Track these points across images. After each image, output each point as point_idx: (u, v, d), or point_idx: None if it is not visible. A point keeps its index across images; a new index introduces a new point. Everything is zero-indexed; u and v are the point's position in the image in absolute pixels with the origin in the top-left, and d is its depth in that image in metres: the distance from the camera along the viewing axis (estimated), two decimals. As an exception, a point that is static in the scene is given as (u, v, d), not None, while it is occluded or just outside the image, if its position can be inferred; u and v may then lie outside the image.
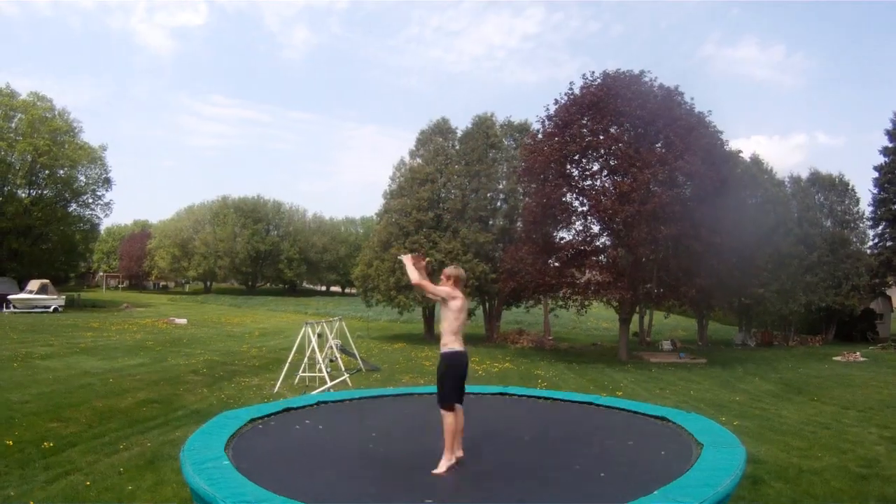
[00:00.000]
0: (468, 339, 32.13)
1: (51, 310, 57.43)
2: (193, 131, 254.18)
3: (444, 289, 9.22)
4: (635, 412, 11.43)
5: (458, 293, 9.21)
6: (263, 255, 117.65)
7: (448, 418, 8.59)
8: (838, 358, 40.44)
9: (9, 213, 63.82)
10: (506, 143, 49.99)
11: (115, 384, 21.04)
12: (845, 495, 11.10)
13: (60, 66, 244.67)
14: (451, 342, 9.07)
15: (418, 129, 52.08)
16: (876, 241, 60.45)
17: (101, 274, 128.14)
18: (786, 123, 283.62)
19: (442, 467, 8.20)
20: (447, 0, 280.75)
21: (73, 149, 68.46)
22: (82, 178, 72.54)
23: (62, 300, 60.83)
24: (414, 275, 9.33)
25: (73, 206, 73.62)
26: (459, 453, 8.75)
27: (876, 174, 59.80)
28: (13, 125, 65.95)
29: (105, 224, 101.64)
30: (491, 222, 47.44)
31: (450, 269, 9.48)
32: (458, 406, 8.90)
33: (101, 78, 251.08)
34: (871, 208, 60.03)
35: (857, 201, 59.17)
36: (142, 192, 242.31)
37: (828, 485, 11.73)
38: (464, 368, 9.17)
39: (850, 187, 59.01)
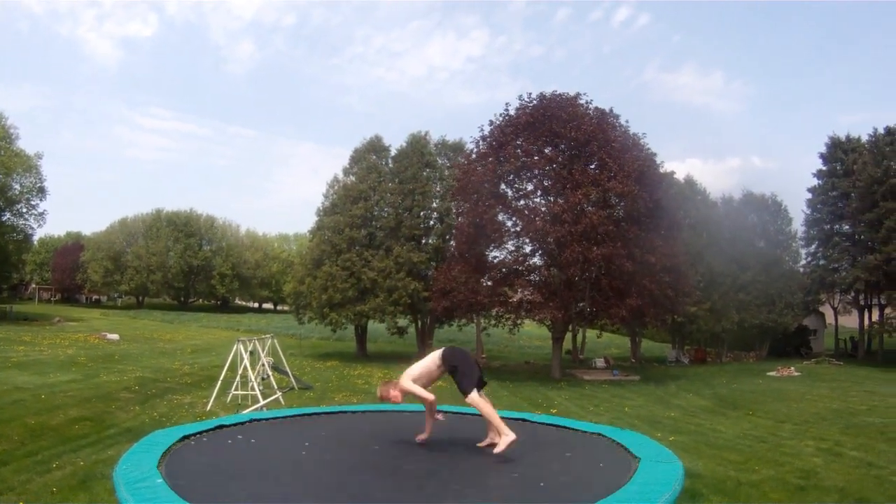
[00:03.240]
0: (400, 356, 32.15)
1: (-19, 323, 56.66)
2: (132, 143, 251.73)
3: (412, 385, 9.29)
4: (570, 428, 11.48)
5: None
6: (196, 270, 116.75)
7: (479, 401, 9.07)
8: (773, 373, 41.16)
9: (-61, 222, 62.51)
10: (440, 161, 50.14)
11: (47, 401, 20.80)
12: (784, 506, 11.24)
13: (3, 71, 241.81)
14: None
15: (354, 147, 52.06)
16: (809, 259, 62.01)
17: (34, 286, 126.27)
18: (721, 147, 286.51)
19: (503, 444, 8.51)
20: (394, 20, 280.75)
21: (9, 156, 67.25)
22: (17, 186, 70.96)
23: (-6, 313, 60.04)
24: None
25: (6, 216, 71.95)
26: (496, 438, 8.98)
27: (809, 195, 61.13)
28: (-53, 129, 64.53)
29: (38, 235, 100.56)
30: (424, 241, 47.59)
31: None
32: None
33: (43, 85, 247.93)
34: (803, 228, 61.46)
35: (790, 221, 60.52)
36: (76, 203, 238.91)
37: (766, 497, 11.88)
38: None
39: (782, 207, 60.02)
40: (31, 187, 71.84)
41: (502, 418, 10.71)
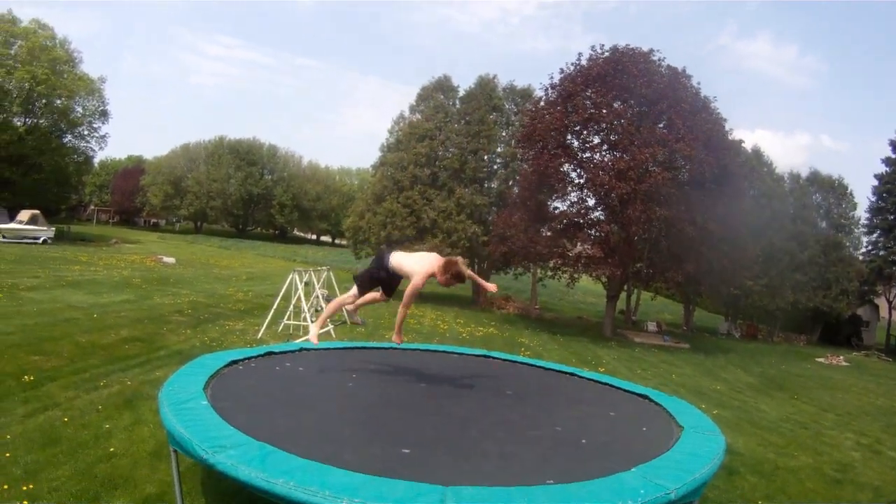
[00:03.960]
0: (455, 299, 32.01)
1: (40, 241, 57.03)
2: (196, 70, 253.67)
3: (419, 279, 9.25)
4: (618, 388, 11.40)
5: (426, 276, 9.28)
6: (256, 199, 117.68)
7: (338, 298, 9.92)
8: (821, 359, 40.66)
9: (2, 142, 63.19)
10: (507, 106, 49.86)
11: (99, 320, 20.86)
12: (819, 497, 11.09)
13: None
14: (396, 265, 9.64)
15: (421, 85, 51.92)
16: (869, 248, 61.19)
17: (93, 207, 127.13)
18: (791, 121, 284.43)
19: (312, 336, 9.95)
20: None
21: (72, 79, 67.71)
22: (79, 109, 71.66)
23: (52, 232, 60.34)
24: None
25: (68, 138, 72.81)
26: (357, 319, 10.54)
27: (876, 182, 60.03)
28: (13, 52, 65.25)
29: (99, 157, 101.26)
30: (487, 184, 47.46)
31: (460, 263, 9.29)
32: (380, 294, 10.01)
33: (107, 10, 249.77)
34: (867, 215, 60.52)
35: (854, 206, 59.88)
36: (138, 128, 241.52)
37: (802, 484, 11.71)
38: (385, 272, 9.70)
39: (848, 191, 59.38)
40: (94, 110, 72.73)
41: (551, 370, 10.70)
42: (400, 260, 9.53)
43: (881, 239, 60.03)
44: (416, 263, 9.31)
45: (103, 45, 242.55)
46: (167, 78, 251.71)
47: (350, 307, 9.96)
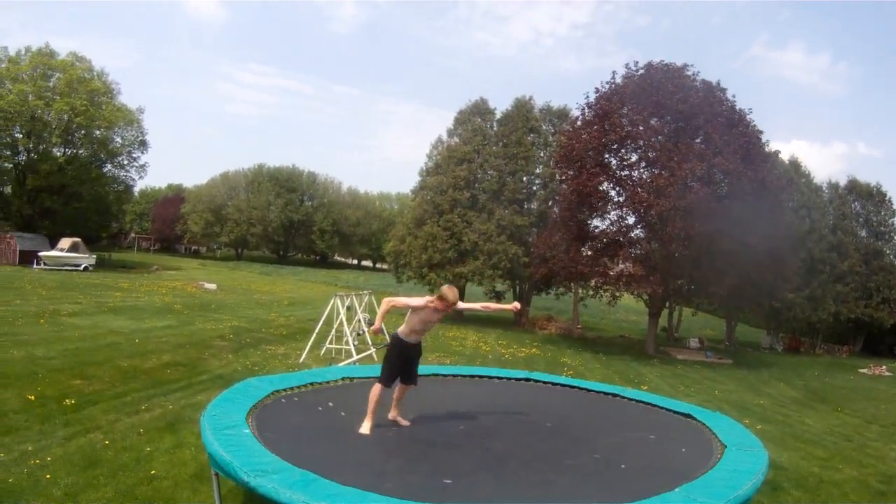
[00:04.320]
0: (498, 321, 32.00)
1: (81, 268, 57.56)
2: (234, 99, 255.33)
3: (419, 301, 9.75)
4: (660, 407, 11.34)
5: (429, 308, 9.69)
6: (296, 225, 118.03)
7: (374, 389, 9.48)
8: (864, 370, 40.36)
9: (43, 172, 63.95)
10: (544, 127, 49.92)
11: (140, 345, 21.00)
12: (863, 510, 11.00)
13: (105, 28, 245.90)
14: (404, 331, 9.95)
15: (458, 109, 52.14)
16: (910, 254, 60.17)
17: (133, 235, 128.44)
18: (827, 131, 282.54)
19: (363, 429, 9.06)
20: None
21: (111, 110, 68.42)
22: (118, 139, 72.64)
23: (93, 259, 60.90)
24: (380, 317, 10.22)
25: (107, 167, 73.85)
26: (402, 421, 9.81)
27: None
28: (51, 84, 66.05)
29: (139, 186, 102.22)
30: (527, 205, 47.50)
31: (444, 289, 9.69)
32: (405, 386, 10.04)
33: (145, 42, 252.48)
34: (906, 221, 59.75)
35: (894, 213, 58.87)
36: (177, 157, 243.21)
37: (847, 497, 11.60)
38: (405, 353, 10.03)
39: (887, 198, 58.72)
40: (133, 140, 74.08)
41: (593, 392, 10.66)
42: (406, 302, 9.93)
43: (922, 244, 59.26)
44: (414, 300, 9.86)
45: (141, 75, 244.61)
46: (205, 107, 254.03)
47: (392, 414, 10.05)
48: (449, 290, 9.53)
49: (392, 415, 9.84)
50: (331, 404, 10.37)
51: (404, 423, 9.66)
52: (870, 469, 14.13)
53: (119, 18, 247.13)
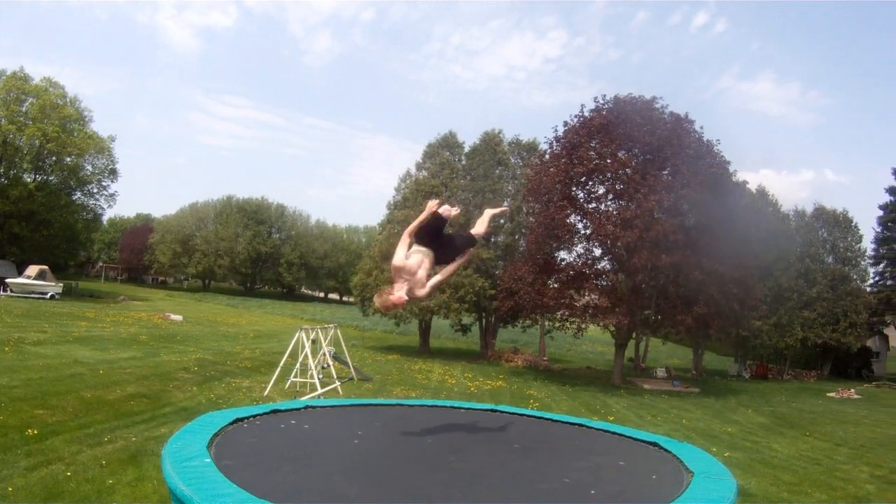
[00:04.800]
0: (463, 354, 32.02)
1: (47, 296, 57.27)
2: (206, 130, 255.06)
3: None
4: (626, 436, 11.36)
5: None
6: (264, 258, 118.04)
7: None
8: (832, 394, 40.72)
9: (13, 197, 63.53)
10: (512, 160, 50.09)
11: (105, 376, 20.92)
12: (835, 533, 11.04)
13: (81, 56, 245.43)
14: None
15: (427, 142, 52.32)
16: (876, 279, 61.73)
17: (101, 264, 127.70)
18: (795, 159, 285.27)
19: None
20: (473, 18, 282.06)
21: (82, 137, 68.29)
22: (89, 167, 72.54)
23: (59, 288, 60.60)
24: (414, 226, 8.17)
25: (77, 195, 73.61)
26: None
27: (881, 213, 60.36)
28: (24, 109, 65.68)
29: (108, 215, 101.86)
30: (493, 238, 47.47)
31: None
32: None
33: (120, 70, 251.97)
34: (873, 246, 61.00)
35: (860, 238, 59.90)
36: (147, 186, 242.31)
37: (816, 521, 11.66)
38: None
39: (853, 224, 59.45)
40: (103, 169, 73.89)
41: (559, 422, 10.62)
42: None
43: (888, 268, 60.41)
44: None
45: (113, 103, 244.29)
46: (176, 137, 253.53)
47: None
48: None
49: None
50: (293, 422, 10.34)
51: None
52: (839, 492, 14.28)
53: (94, 46, 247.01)
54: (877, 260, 61.92)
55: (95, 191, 74.49)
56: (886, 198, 61.06)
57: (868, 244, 61.87)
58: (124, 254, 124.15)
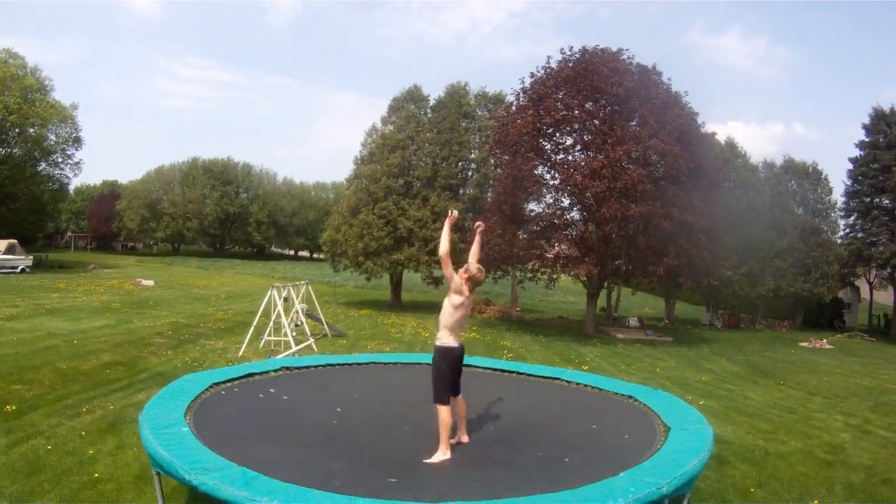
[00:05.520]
0: (434, 306, 31.99)
1: (18, 270, 56.94)
2: (170, 93, 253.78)
3: (458, 279, 9.08)
4: (602, 389, 11.38)
5: (466, 291, 9.09)
6: (232, 218, 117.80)
7: (442, 413, 8.49)
8: (805, 344, 41.02)
9: (-24, 173, 62.84)
10: (479, 113, 49.98)
11: (79, 346, 20.89)
12: (811, 480, 11.09)
13: (39, 24, 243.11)
14: (444, 336, 9.03)
15: (393, 96, 52.10)
16: (847, 231, 61.79)
17: (70, 234, 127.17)
18: (764, 112, 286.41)
19: (435, 459, 8.11)
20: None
21: (45, 107, 67.49)
22: (52, 137, 71.71)
23: (29, 261, 60.28)
24: (446, 245, 8.96)
25: (42, 166, 72.93)
26: (465, 438, 8.93)
27: (850, 166, 60.69)
28: (-16, 82, 64.79)
29: (74, 184, 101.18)
30: (461, 191, 47.52)
31: (472, 266, 9.33)
32: (458, 398, 9.01)
33: (81, 38, 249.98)
34: (843, 199, 61.50)
35: (830, 191, 60.70)
36: (112, 153, 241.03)
37: (793, 469, 11.72)
38: (457, 363, 9.07)
39: (823, 176, 60.05)
40: (67, 138, 72.99)
41: (535, 376, 10.60)
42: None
43: (859, 221, 60.54)
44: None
45: (75, 71, 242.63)
46: (140, 102, 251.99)
47: (462, 437, 9.42)
48: (479, 271, 9.33)
49: (463, 438, 8.99)
50: (272, 390, 10.33)
51: (466, 439, 9.20)
52: (815, 440, 14.31)
53: (54, 14, 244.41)
54: (847, 213, 62.14)
55: (60, 160, 73.91)
56: (857, 152, 61.39)
57: (839, 197, 62.46)
58: (92, 222, 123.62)
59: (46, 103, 68.57)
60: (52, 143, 71.89)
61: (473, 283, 9.12)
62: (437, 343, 9.02)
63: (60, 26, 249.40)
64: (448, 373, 8.86)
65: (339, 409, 9.73)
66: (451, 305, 9.01)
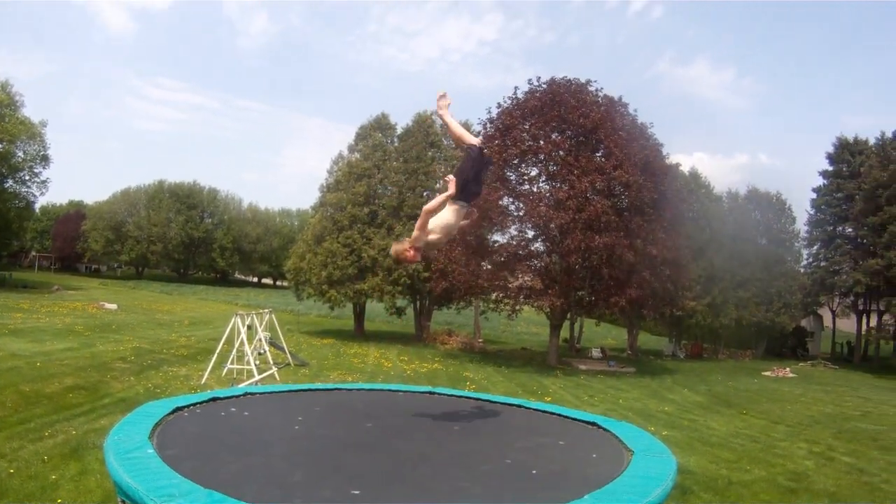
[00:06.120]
0: (397, 336, 32.02)
1: (-21, 289, 56.63)
2: (140, 114, 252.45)
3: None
4: (565, 416, 11.45)
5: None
6: (197, 242, 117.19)
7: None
8: (768, 373, 41.20)
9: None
10: (445, 142, 50.08)
11: (42, 368, 20.80)
12: (774, 508, 11.21)
13: (13, 39, 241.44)
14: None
15: (360, 124, 52.10)
16: (810, 260, 62.34)
17: (34, 254, 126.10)
18: (730, 143, 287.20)
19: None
20: (409, 0, 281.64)
21: (14, 123, 66.82)
22: (20, 153, 70.79)
23: (-7, 279, 60.00)
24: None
25: (9, 183, 71.72)
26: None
27: (814, 195, 61.38)
28: (-50, 96, 64.18)
29: (40, 203, 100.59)
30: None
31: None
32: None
33: (53, 54, 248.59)
34: (806, 228, 62.02)
35: (794, 220, 60.87)
36: (79, 173, 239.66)
37: (757, 497, 11.85)
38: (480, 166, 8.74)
39: (786, 206, 60.26)
40: (35, 155, 71.77)
41: (497, 403, 10.65)
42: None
43: (822, 250, 61.38)
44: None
45: (47, 88, 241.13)
46: (109, 122, 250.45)
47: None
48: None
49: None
50: (233, 409, 10.35)
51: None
52: (778, 468, 14.46)
53: (27, 28, 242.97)
54: (810, 242, 62.89)
55: (27, 178, 72.83)
56: (820, 181, 62.11)
57: (802, 226, 63.01)
58: (57, 242, 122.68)
59: (16, 119, 67.96)
60: (20, 160, 70.98)
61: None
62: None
63: (34, 41, 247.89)
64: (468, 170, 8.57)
65: (300, 418, 9.75)
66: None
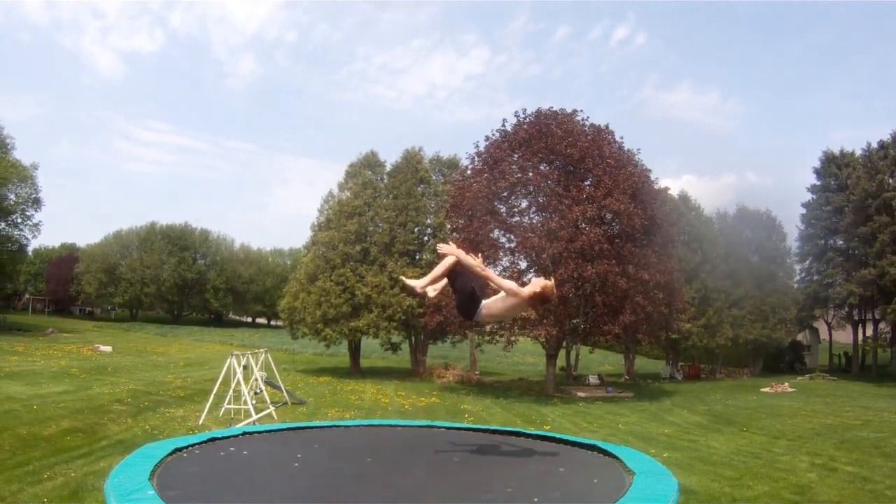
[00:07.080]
0: (393, 372, 32.01)
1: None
2: (130, 156, 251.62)
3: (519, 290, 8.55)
4: (565, 442, 11.41)
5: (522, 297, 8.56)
6: (190, 284, 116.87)
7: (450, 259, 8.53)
8: (767, 389, 41.32)
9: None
10: (434, 178, 50.17)
11: (39, 411, 20.75)
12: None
13: (4, 81, 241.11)
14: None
15: (349, 162, 52.14)
16: (803, 275, 62.64)
17: (28, 297, 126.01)
18: (717, 164, 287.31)
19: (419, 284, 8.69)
20: (395, 38, 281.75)
21: (5, 166, 66.63)
22: (12, 196, 70.51)
23: (-13, 323, 59.88)
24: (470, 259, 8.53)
25: (1, 226, 71.63)
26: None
27: (803, 210, 61.76)
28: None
29: (33, 245, 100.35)
30: (418, 256, 47.58)
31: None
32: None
33: (43, 96, 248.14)
34: (797, 243, 62.47)
35: (784, 237, 61.42)
36: (71, 215, 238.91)
37: (761, 512, 11.81)
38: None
39: (777, 223, 60.60)
40: (27, 198, 71.41)
41: (496, 432, 10.63)
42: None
43: (814, 264, 62.22)
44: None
45: (37, 130, 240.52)
46: (99, 164, 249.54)
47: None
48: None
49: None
50: (232, 449, 10.32)
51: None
52: (781, 482, 14.42)
53: (17, 70, 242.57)
54: (802, 257, 63.48)
55: (20, 221, 72.62)
56: (808, 196, 62.46)
57: (793, 242, 63.55)
58: (50, 285, 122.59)
59: (7, 162, 67.78)
60: (12, 203, 70.72)
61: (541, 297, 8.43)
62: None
63: (24, 83, 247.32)
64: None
65: (300, 455, 9.73)
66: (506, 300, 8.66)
